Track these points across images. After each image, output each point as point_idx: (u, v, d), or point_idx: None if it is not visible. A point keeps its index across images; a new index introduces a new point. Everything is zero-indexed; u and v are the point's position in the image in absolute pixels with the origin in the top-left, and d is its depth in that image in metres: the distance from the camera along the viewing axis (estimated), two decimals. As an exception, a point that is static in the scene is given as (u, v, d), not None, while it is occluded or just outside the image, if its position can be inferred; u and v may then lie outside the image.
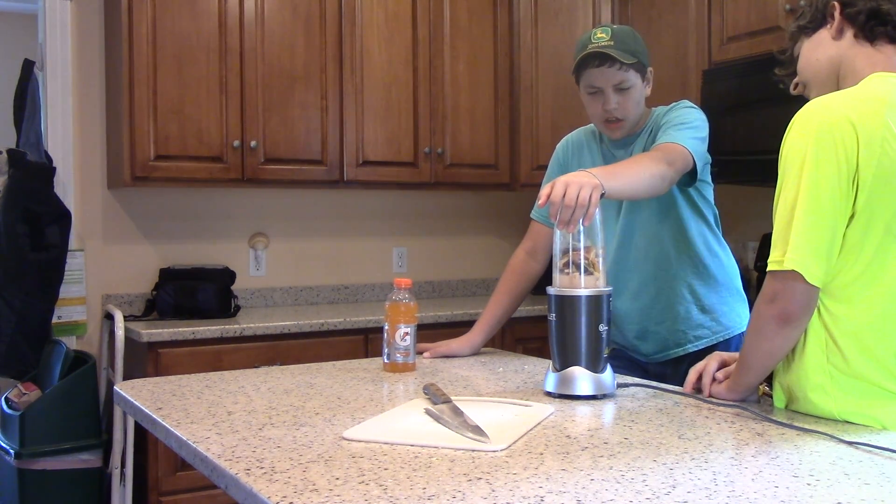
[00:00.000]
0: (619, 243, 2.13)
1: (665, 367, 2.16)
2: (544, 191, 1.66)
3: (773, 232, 1.44)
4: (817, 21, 1.58)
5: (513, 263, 2.29)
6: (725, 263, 2.17)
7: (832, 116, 1.41)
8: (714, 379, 1.66)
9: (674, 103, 2.09)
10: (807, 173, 1.39)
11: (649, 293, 2.13)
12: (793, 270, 1.38)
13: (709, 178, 2.13)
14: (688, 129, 1.96)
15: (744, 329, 2.14)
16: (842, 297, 1.44)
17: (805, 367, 1.48)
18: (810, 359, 1.47)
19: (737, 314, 2.16)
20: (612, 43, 1.98)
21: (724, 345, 2.12)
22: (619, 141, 2.13)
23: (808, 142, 1.41)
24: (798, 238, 1.38)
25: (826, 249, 1.40)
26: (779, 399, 1.57)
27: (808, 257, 1.38)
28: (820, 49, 1.57)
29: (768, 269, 1.43)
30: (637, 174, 1.83)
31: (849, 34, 1.54)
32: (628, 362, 2.20)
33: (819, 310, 1.45)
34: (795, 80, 1.64)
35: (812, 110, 1.44)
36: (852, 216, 1.41)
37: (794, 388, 1.51)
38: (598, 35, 2.01)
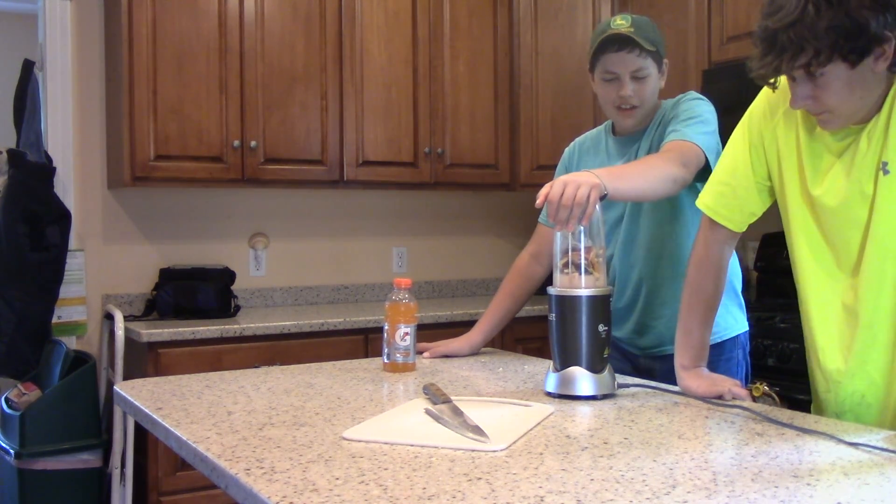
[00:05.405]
0: (624, 240, 2.10)
1: (654, 362, 2.13)
2: (543, 190, 1.65)
3: None
4: (862, 50, 1.39)
5: (517, 266, 2.28)
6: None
7: None
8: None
9: (680, 95, 2.06)
10: None
11: (650, 289, 2.11)
12: None
13: None
14: (698, 124, 1.94)
15: (737, 332, 2.09)
16: None
17: None
18: None
19: (733, 317, 2.10)
20: (632, 29, 1.97)
21: (718, 348, 2.02)
22: (626, 138, 2.11)
23: None
24: None
25: None
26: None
27: None
28: (865, 87, 1.44)
29: None
30: (645, 176, 1.80)
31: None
32: (619, 353, 2.17)
33: None
34: (819, 109, 1.48)
35: None
36: None
37: None
38: (618, 22, 2.00)
